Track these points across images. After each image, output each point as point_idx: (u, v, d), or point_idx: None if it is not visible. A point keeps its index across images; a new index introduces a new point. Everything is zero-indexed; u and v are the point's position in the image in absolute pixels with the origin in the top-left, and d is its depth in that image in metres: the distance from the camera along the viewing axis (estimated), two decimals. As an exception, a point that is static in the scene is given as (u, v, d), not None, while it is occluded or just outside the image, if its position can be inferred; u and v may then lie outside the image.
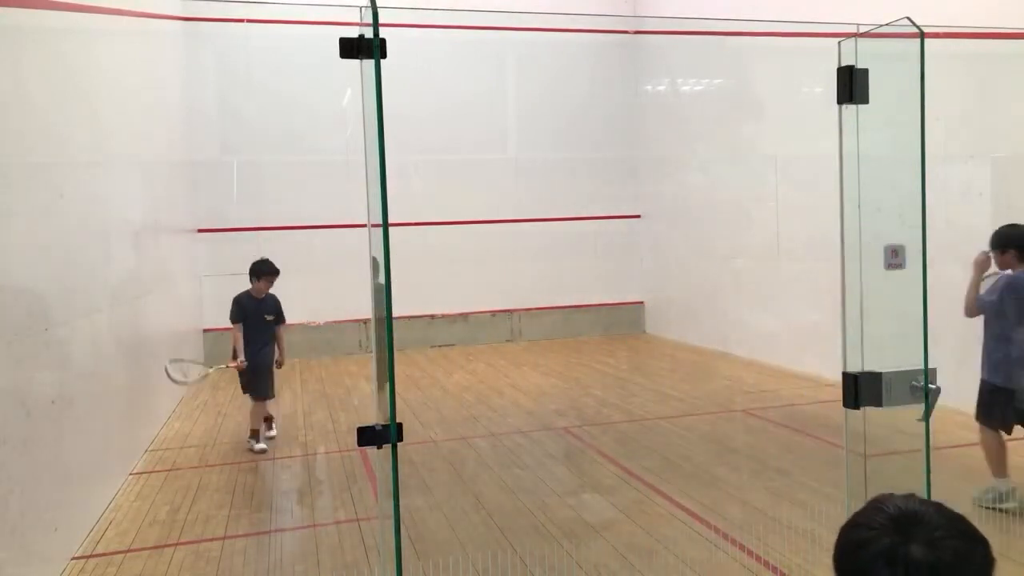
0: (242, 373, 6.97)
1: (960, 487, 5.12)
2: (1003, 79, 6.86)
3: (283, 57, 11.81)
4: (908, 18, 2.70)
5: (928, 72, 2.72)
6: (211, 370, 7.34)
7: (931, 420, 2.78)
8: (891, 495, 1.25)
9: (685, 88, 12.85)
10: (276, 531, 5.10)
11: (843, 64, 2.83)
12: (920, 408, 2.76)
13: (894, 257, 2.89)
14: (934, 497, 1.30)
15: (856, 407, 2.81)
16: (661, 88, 13.40)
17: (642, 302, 13.90)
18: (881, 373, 2.77)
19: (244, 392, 7.17)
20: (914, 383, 2.77)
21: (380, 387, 2.99)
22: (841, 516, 1.34)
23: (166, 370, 6.92)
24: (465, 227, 12.77)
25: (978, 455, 5.02)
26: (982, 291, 4.84)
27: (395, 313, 2.76)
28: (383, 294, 2.73)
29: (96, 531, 5.08)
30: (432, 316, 12.83)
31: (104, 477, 5.71)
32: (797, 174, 9.63)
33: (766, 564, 4.22)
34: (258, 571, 4.44)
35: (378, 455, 2.83)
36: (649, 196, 13.58)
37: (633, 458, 6.33)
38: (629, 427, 7.41)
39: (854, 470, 2.93)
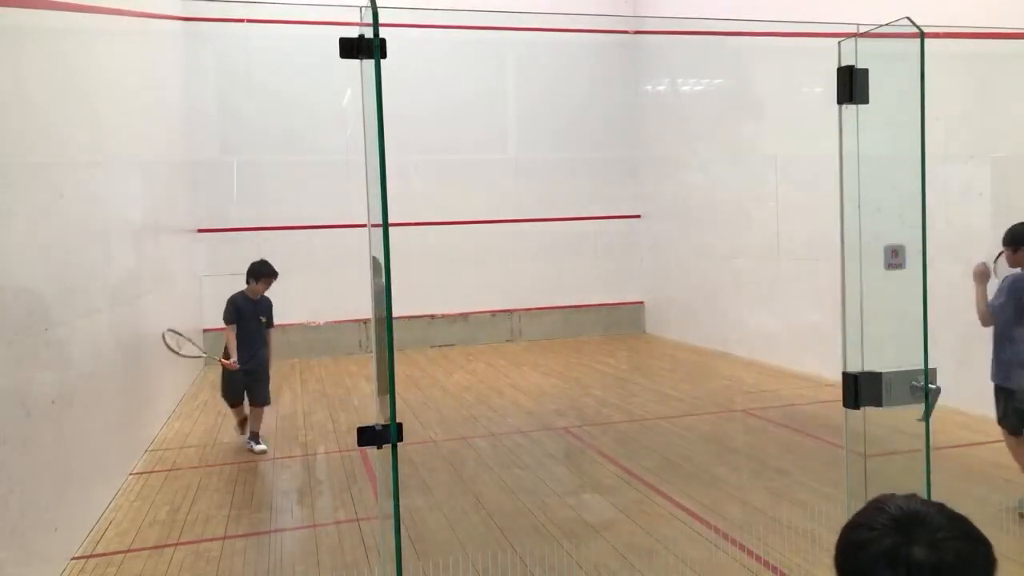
0: (227, 377, 6.85)
1: (960, 487, 5.12)
2: (1003, 79, 6.86)
3: (283, 57, 11.82)
4: (908, 18, 2.69)
5: (928, 72, 2.72)
6: (204, 354, 7.33)
7: (931, 420, 2.78)
8: (892, 495, 1.25)
9: (685, 88, 12.85)
10: (276, 531, 5.10)
11: (843, 64, 2.83)
12: (920, 408, 2.76)
13: (894, 257, 2.88)
14: (934, 497, 1.30)
15: (856, 407, 2.81)
16: (661, 88, 13.40)
17: (642, 302, 13.90)
18: (881, 373, 2.76)
19: (224, 396, 7.01)
20: (914, 383, 2.77)
21: (380, 387, 2.98)
22: (841, 516, 1.33)
23: (163, 336, 6.92)
24: (465, 227, 12.78)
25: (978, 455, 5.02)
26: (990, 297, 4.82)
27: (395, 313, 2.76)
28: (383, 294, 2.73)
29: (96, 531, 5.08)
30: (432, 316, 12.83)
31: (104, 477, 5.71)
32: (797, 174, 9.63)
33: (766, 564, 4.22)
34: (258, 571, 4.44)
35: (378, 455, 2.83)
36: (649, 196, 13.59)
37: (633, 458, 6.33)
38: (629, 427, 7.41)
39: (854, 470, 2.93)
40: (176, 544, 4.86)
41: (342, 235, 11.35)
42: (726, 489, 5.55)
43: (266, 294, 7.01)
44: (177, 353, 7.11)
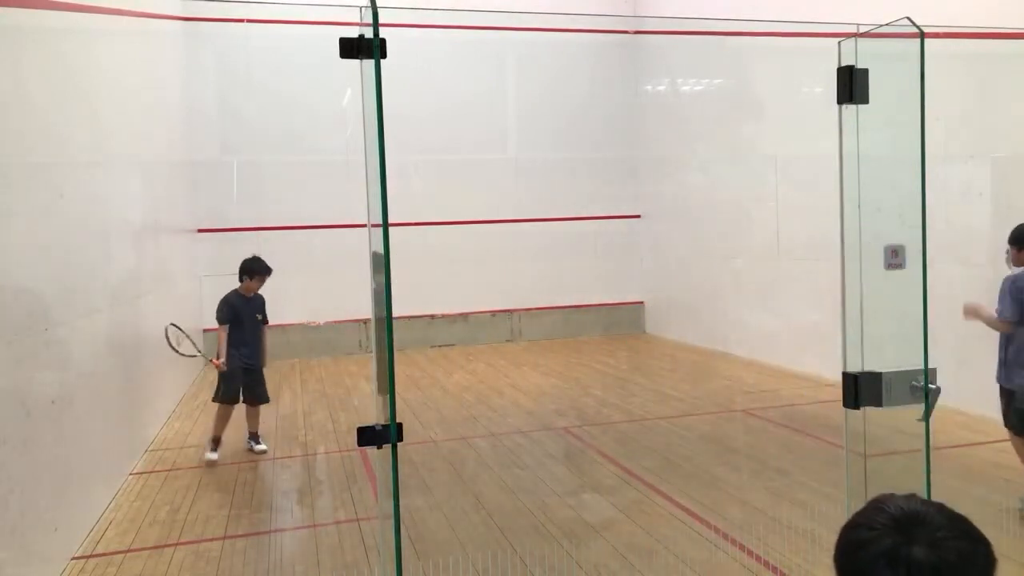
0: (226, 376, 6.71)
1: (960, 487, 5.12)
2: (1003, 79, 6.86)
3: (283, 57, 11.82)
4: (908, 18, 2.69)
5: (928, 72, 2.72)
6: (200, 354, 7.30)
7: (931, 420, 2.78)
8: (892, 495, 1.25)
9: (685, 88, 12.85)
10: (276, 531, 5.10)
11: (843, 64, 2.83)
12: (920, 408, 2.76)
13: (894, 257, 2.88)
14: (934, 497, 1.30)
15: (856, 407, 2.81)
16: (661, 88, 13.40)
17: (642, 302, 13.90)
18: (881, 373, 2.76)
19: (221, 397, 6.73)
20: (914, 383, 2.77)
21: (380, 387, 2.98)
22: (841, 516, 1.33)
23: (166, 330, 6.89)
24: (465, 227, 12.78)
25: (978, 455, 5.03)
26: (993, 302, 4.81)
27: (395, 313, 2.76)
28: (383, 294, 2.73)
29: (96, 531, 5.08)
30: (432, 316, 12.84)
31: (104, 477, 5.71)
32: (797, 174, 9.63)
33: (766, 564, 4.22)
34: (258, 571, 4.44)
35: (378, 455, 2.83)
36: (649, 196, 13.59)
37: (633, 458, 6.33)
38: (629, 427, 7.41)
39: (854, 470, 2.93)
40: (176, 544, 4.86)
41: (342, 235, 11.35)
42: (726, 489, 5.54)
43: (259, 291, 6.87)
44: (175, 350, 7.09)
